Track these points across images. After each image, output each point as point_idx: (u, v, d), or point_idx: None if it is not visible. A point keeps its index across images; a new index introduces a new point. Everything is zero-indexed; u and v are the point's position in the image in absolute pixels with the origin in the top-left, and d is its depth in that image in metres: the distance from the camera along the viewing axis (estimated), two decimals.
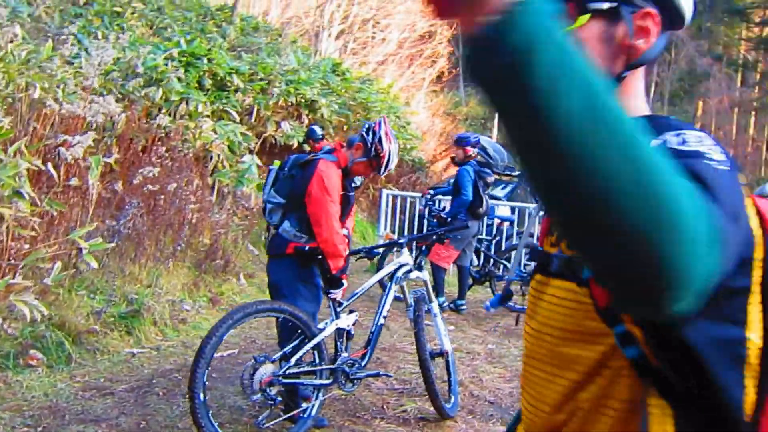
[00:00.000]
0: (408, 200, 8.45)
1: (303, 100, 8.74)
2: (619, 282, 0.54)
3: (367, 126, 3.46)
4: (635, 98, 0.85)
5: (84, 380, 3.73)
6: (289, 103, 8.64)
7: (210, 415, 2.84)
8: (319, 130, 7.52)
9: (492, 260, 6.87)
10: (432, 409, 3.55)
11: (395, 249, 4.45)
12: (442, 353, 3.69)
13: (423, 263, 3.82)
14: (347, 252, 3.33)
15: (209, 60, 7.97)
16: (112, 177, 5.31)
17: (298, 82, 8.75)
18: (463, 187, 5.91)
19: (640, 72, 0.86)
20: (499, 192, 9.46)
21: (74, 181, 4.73)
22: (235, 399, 3.63)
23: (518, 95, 0.50)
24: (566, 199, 0.52)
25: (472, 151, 6.08)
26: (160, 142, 6.15)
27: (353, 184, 3.53)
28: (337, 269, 3.25)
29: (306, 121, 8.84)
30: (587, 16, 0.81)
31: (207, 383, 2.85)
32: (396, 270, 3.61)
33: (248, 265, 6.41)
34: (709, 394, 0.74)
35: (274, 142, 8.39)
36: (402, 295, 3.74)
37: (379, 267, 6.44)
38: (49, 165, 4.58)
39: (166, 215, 5.57)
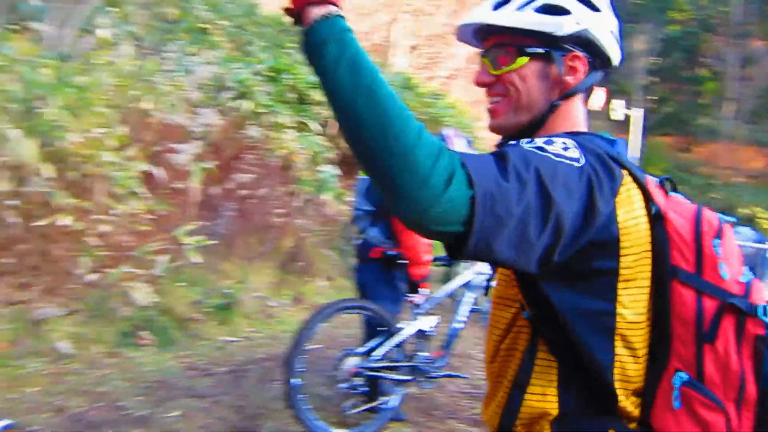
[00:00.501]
0: None
1: None
2: (385, 196, 0.81)
3: (439, 136, 3.76)
4: (570, 120, 1.06)
5: (187, 361, 4.18)
6: None
7: (301, 397, 3.19)
8: None
9: None
10: None
11: None
12: None
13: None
14: (430, 260, 3.63)
15: (291, 75, 8.48)
16: (210, 181, 5.81)
17: None
18: None
19: (577, 99, 1.06)
20: None
21: (179, 184, 5.25)
22: (321, 389, 3.97)
23: (317, 69, 0.83)
24: (346, 133, 0.82)
25: None
26: (249, 151, 6.64)
27: None
28: (420, 276, 3.54)
29: None
30: (526, 58, 1.03)
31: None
32: (472, 278, 3.88)
33: (328, 268, 6.81)
34: (580, 354, 0.93)
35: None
36: (476, 306, 4.00)
37: (448, 276, 6.70)
38: (158, 169, 5.12)
39: (255, 219, 6.04)
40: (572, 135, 0.97)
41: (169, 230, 5.00)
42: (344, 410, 3.41)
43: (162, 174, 5.07)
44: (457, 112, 13.34)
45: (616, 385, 0.95)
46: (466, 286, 3.88)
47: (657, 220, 0.95)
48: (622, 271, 0.92)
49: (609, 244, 0.90)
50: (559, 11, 1.01)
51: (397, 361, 3.53)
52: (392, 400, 3.50)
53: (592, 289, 0.92)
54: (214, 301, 4.95)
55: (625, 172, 0.94)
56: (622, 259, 0.91)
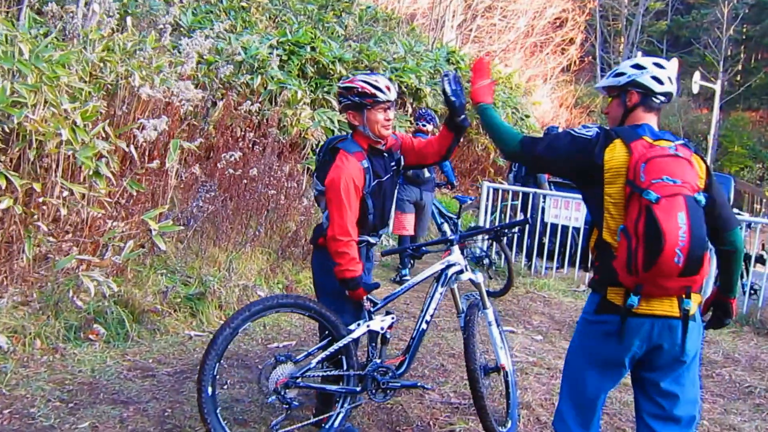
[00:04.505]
0: (511, 194, 7.87)
1: (407, 89, 8.46)
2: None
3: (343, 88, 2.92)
4: (632, 120, 2.31)
5: (134, 359, 3.75)
6: None
7: (218, 411, 2.65)
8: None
9: None
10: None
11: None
12: (497, 368, 3.25)
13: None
14: (343, 241, 2.79)
15: (312, 48, 7.95)
16: (194, 161, 5.37)
17: (404, 70, 8.48)
18: None
19: (639, 110, 2.30)
20: None
21: (154, 164, 4.81)
22: (250, 403, 3.43)
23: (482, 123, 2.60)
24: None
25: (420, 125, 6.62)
26: (251, 128, 6.18)
27: (392, 164, 3.09)
28: (346, 275, 2.81)
29: (410, 110, 8.55)
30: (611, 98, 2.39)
31: (224, 377, 2.69)
32: (444, 269, 3.20)
33: None
34: None
35: None
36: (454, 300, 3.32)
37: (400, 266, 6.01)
38: (132, 147, 4.70)
39: (250, 200, 5.56)
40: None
41: (138, 214, 4.60)
42: (272, 428, 2.84)
43: (134, 152, 4.65)
44: (506, 86, 12.39)
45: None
46: (438, 278, 3.21)
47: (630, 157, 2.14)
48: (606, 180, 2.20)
49: (597, 168, 2.19)
50: (620, 74, 2.35)
51: (342, 370, 2.92)
52: (336, 416, 2.91)
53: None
54: (187, 290, 4.51)
55: (618, 138, 2.20)
56: (606, 176, 2.18)
